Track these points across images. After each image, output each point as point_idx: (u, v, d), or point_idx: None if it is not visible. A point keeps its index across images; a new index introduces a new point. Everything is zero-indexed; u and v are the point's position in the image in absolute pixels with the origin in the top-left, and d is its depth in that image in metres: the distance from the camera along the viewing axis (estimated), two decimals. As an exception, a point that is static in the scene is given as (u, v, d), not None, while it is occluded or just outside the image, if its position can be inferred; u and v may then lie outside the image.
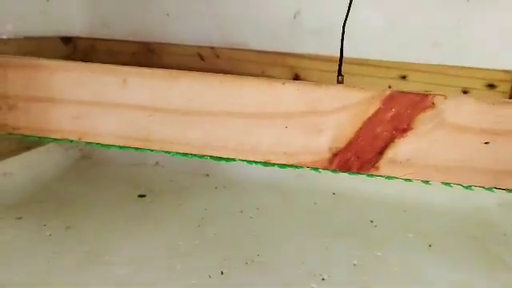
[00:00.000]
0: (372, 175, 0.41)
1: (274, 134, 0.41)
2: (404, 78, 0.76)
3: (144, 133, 0.43)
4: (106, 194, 0.74)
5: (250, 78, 0.40)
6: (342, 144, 0.40)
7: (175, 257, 0.57)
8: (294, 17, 0.78)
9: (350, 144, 0.40)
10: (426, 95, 0.38)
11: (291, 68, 0.78)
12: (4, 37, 0.67)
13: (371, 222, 0.71)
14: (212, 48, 0.79)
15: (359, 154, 0.40)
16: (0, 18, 0.66)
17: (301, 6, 0.78)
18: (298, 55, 0.78)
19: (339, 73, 0.49)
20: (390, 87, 0.76)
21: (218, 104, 0.41)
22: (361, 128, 0.40)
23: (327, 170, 0.41)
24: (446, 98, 0.38)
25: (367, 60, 0.77)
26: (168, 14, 0.81)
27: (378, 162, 0.40)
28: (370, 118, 0.39)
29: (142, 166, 0.85)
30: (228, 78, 0.41)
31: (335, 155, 0.41)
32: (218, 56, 0.79)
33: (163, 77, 0.41)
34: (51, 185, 0.75)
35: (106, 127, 0.43)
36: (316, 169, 0.41)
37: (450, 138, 0.39)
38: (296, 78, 0.78)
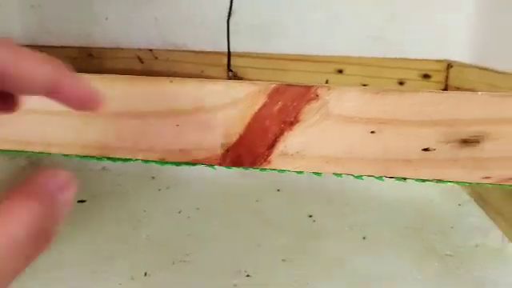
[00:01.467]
0: (265, 169, 0.41)
1: (167, 133, 0.41)
2: (341, 71, 0.76)
3: (41, 137, 0.43)
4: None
5: (139, 77, 0.40)
6: (232, 139, 0.40)
7: (102, 260, 0.57)
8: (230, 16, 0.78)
9: (241, 139, 0.40)
10: (310, 87, 0.38)
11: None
12: None
13: (310, 216, 0.71)
14: (151, 50, 0.79)
15: (251, 149, 0.40)
16: None
17: (236, 5, 0.78)
18: (236, 54, 0.78)
19: (229, 68, 0.49)
20: (327, 82, 0.76)
21: (111, 105, 0.41)
22: (250, 123, 0.40)
23: (221, 166, 0.41)
24: (329, 88, 0.38)
25: (304, 56, 0.77)
26: (107, 18, 0.81)
27: (269, 155, 0.40)
28: (257, 113, 0.39)
29: (88, 171, 0.85)
30: (118, 78, 0.41)
31: (227, 151, 0.41)
32: (156, 58, 0.79)
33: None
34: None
35: (5, 132, 0.43)
36: (212, 165, 0.41)
37: (336, 129, 0.39)
38: (235, 77, 0.78)
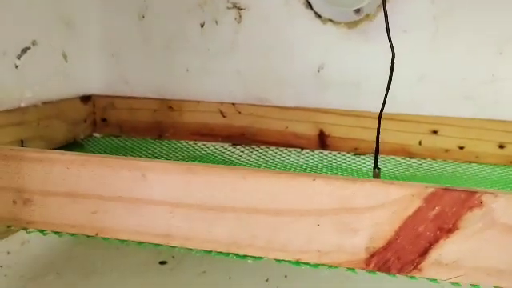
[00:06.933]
0: (414, 277, 0.37)
1: (305, 232, 0.38)
2: (435, 132, 0.72)
3: (164, 229, 0.40)
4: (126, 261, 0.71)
5: (276, 172, 0.38)
6: (379, 244, 0.37)
7: None
8: (318, 71, 0.75)
9: (389, 244, 0.37)
10: (474, 192, 0.35)
11: (316, 124, 0.75)
12: (22, 105, 0.65)
13: None
14: (233, 104, 0.77)
15: (399, 255, 0.37)
16: (18, 85, 0.65)
17: (325, 60, 0.75)
18: (323, 110, 0.75)
19: (375, 166, 0.46)
20: (420, 143, 0.73)
21: (244, 200, 0.38)
22: (400, 227, 0.36)
23: (364, 270, 0.37)
24: (496, 195, 0.34)
25: (397, 115, 0.73)
26: (188, 70, 0.79)
27: (420, 263, 0.37)
28: (410, 217, 0.36)
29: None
30: (252, 173, 0.38)
31: (372, 255, 0.37)
32: (239, 112, 0.77)
33: (183, 171, 0.39)
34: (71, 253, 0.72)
35: (125, 223, 0.41)
36: (352, 269, 0.38)
37: (501, 240, 0.35)
38: (321, 133, 0.75)
